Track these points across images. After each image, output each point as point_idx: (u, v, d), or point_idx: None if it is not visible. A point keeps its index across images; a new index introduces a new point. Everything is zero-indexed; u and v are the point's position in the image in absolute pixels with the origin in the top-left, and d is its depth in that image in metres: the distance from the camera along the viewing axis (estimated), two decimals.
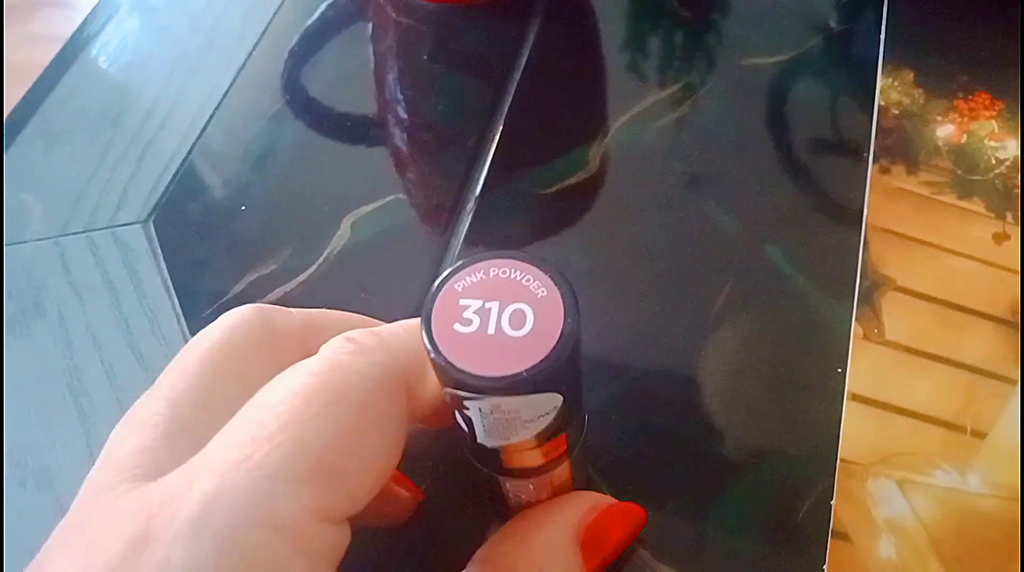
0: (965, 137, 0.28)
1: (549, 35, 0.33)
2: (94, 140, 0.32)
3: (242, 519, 0.14)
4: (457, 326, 0.15)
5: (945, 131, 0.29)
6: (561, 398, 0.16)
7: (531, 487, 0.19)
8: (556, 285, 0.16)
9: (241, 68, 0.34)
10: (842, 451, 0.23)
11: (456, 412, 0.16)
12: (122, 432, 0.17)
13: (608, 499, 0.20)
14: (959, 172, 0.28)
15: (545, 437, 0.17)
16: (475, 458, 0.19)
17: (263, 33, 0.35)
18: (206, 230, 0.29)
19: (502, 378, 0.15)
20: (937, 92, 0.29)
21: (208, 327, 0.18)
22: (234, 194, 0.30)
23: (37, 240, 0.30)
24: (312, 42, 0.34)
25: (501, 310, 0.15)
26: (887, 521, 0.22)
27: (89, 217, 0.30)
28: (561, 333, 0.15)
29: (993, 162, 0.28)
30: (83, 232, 0.30)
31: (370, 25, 0.35)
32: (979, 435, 0.23)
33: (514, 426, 0.16)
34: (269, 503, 0.14)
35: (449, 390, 0.16)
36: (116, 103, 0.34)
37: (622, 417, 0.24)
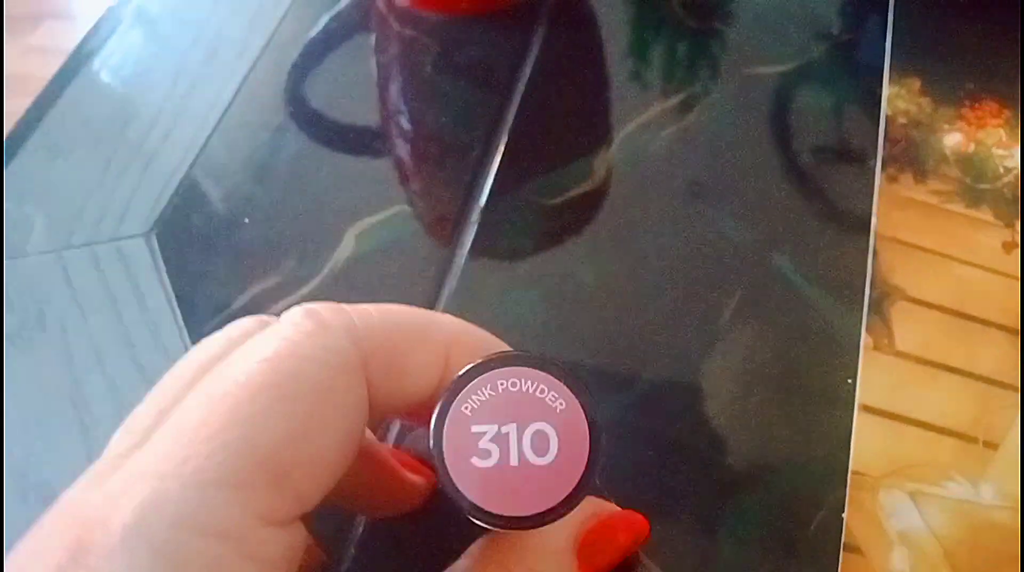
0: (973, 146, 0.28)
1: (553, 46, 0.33)
2: (97, 153, 0.32)
3: (181, 528, 0.13)
4: (476, 460, 0.14)
5: (953, 140, 0.28)
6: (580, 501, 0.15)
7: None
8: (572, 392, 0.14)
9: (244, 80, 0.34)
10: (853, 463, 0.23)
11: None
12: (112, 439, 0.16)
13: (610, 506, 0.20)
14: (967, 181, 0.27)
15: None
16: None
17: (266, 45, 0.35)
18: (209, 242, 0.29)
19: (537, 516, 0.14)
20: (944, 100, 0.29)
21: (207, 337, 0.17)
22: (237, 206, 0.30)
23: (40, 253, 0.30)
24: (315, 54, 0.34)
25: (520, 434, 0.14)
26: (900, 534, 0.21)
27: (92, 230, 0.30)
28: (590, 452, 0.14)
29: (1001, 171, 0.28)
30: (86, 245, 0.29)
31: (373, 37, 0.35)
32: (992, 446, 0.23)
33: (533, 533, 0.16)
34: (210, 511, 0.13)
35: (471, 517, 0.14)
36: (118, 116, 0.33)
37: (630, 428, 0.24)
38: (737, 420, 0.24)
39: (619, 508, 0.20)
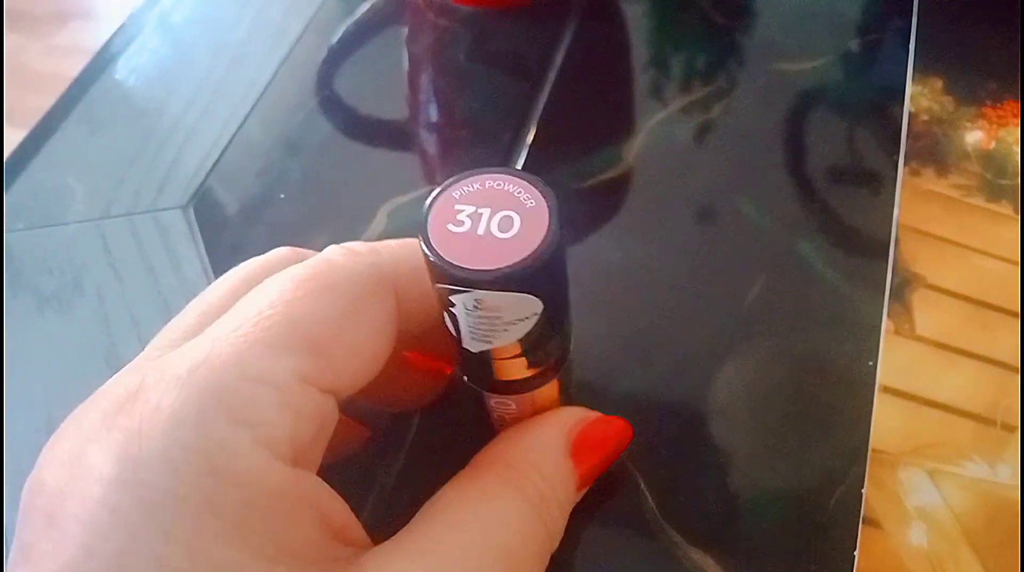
0: (994, 143, 0.29)
1: (583, 38, 0.34)
2: (136, 129, 0.33)
3: (228, 373, 0.15)
4: (450, 226, 0.17)
5: (974, 137, 0.29)
6: (541, 305, 0.17)
7: (513, 405, 0.20)
8: (544, 198, 0.17)
9: (282, 62, 0.35)
10: (873, 441, 0.23)
11: (445, 314, 0.17)
12: (152, 341, 0.18)
13: (595, 413, 0.21)
14: (988, 176, 0.28)
15: (528, 346, 0.18)
16: (463, 371, 0.20)
17: (305, 29, 0.36)
18: (245, 216, 0.30)
19: (485, 272, 0.16)
20: (966, 100, 0.30)
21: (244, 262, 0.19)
22: (273, 182, 0.31)
23: (78, 222, 0.30)
24: (353, 39, 0.35)
25: (492, 215, 0.17)
26: (918, 509, 0.22)
27: (130, 201, 0.31)
28: (544, 237, 0.16)
29: (1021, 168, 0.28)
30: (124, 215, 0.30)
31: (409, 26, 0.36)
32: (1010, 429, 0.23)
33: (496, 328, 0.17)
34: (256, 362, 0.15)
35: (438, 286, 0.17)
36: (158, 94, 0.34)
37: (652, 404, 0.24)
38: (759, 397, 0.24)
39: (603, 415, 0.22)
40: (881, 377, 0.24)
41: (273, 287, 0.16)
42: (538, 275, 0.16)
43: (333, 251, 0.18)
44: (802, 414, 0.24)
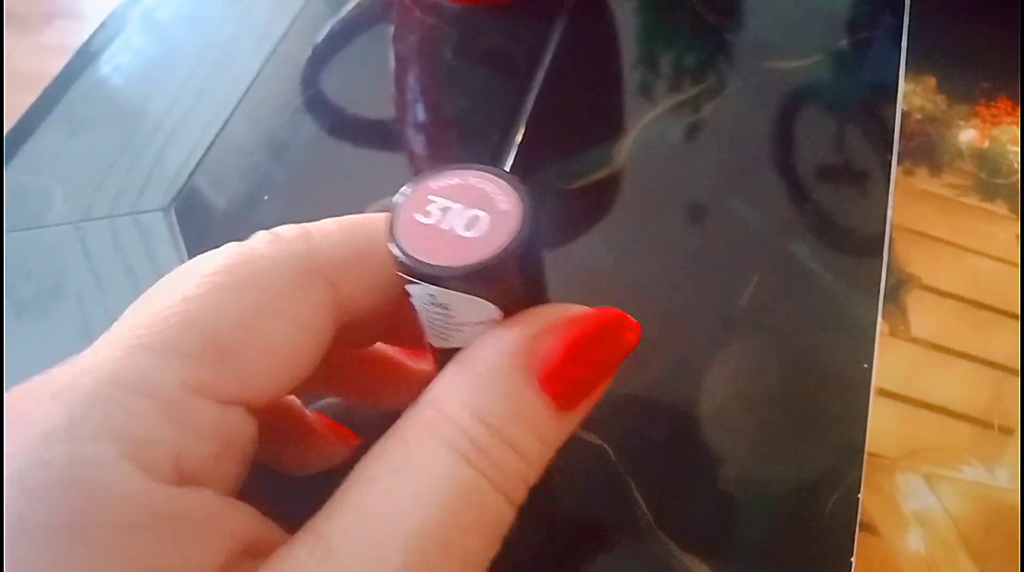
0: (988, 142, 0.28)
1: (573, 36, 0.34)
2: (118, 129, 0.33)
3: (109, 383, 0.14)
4: (418, 216, 0.16)
5: (968, 136, 0.29)
6: (499, 311, 0.16)
7: None
8: (520, 203, 0.16)
9: (267, 61, 0.34)
10: (869, 445, 0.23)
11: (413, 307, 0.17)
12: None
13: (576, 310, 0.17)
14: (982, 175, 0.28)
15: None
16: (438, 369, 0.19)
17: (290, 27, 0.35)
18: (228, 219, 0.29)
19: (430, 266, 0.15)
20: (959, 98, 0.30)
21: None
22: (256, 184, 0.30)
23: (59, 224, 0.30)
24: (338, 37, 0.35)
25: (460, 212, 0.16)
26: (915, 514, 0.22)
27: (111, 203, 0.30)
28: (504, 244, 0.16)
29: (1016, 166, 0.28)
30: (105, 218, 0.30)
31: (395, 24, 0.35)
32: (1007, 431, 0.23)
33: (450, 327, 0.17)
34: (139, 371, 0.14)
35: (396, 272, 0.16)
36: (141, 92, 0.34)
37: (645, 408, 0.24)
38: (753, 401, 0.24)
39: (588, 310, 0.17)
40: (876, 379, 0.24)
41: (177, 283, 0.15)
42: (488, 281, 0.16)
43: (258, 238, 0.17)
44: (797, 418, 0.23)
